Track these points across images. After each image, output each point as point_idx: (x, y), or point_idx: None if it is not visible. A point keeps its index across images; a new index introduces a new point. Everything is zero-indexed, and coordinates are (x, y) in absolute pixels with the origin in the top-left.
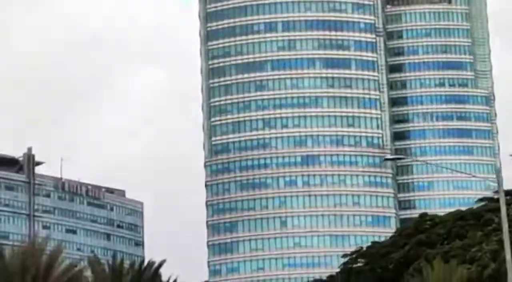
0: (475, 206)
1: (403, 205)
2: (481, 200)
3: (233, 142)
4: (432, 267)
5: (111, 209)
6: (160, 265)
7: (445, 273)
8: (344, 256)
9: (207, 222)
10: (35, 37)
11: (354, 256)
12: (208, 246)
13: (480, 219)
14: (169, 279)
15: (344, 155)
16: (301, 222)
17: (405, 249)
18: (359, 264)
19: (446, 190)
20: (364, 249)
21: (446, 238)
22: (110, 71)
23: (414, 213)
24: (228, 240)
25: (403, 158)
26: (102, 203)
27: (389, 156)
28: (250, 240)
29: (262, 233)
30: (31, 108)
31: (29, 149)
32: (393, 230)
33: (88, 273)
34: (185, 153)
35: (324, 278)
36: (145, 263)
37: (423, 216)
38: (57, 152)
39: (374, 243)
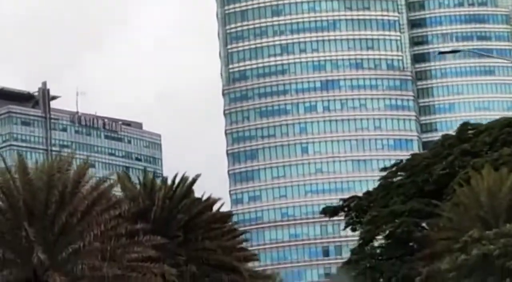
0: None
1: (424, 128)
2: None
3: (251, 69)
4: (481, 176)
5: (129, 142)
6: (194, 180)
7: (495, 181)
8: (383, 169)
9: (227, 151)
10: None
11: (393, 169)
12: (229, 175)
13: None
14: (203, 195)
15: (364, 79)
16: (322, 148)
17: (448, 160)
18: (399, 178)
19: (468, 112)
20: (404, 162)
21: (492, 146)
22: (123, 3)
23: (436, 136)
24: (249, 168)
25: (458, 51)
26: (120, 136)
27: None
28: (271, 167)
29: (283, 160)
30: (46, 44)
31: (44, 84)
32: None
33: (117, 189)
34: (202, 82)
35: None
36: (178, 178)
37: (465, 124)
38: (72, 86)
39: (414, 155)
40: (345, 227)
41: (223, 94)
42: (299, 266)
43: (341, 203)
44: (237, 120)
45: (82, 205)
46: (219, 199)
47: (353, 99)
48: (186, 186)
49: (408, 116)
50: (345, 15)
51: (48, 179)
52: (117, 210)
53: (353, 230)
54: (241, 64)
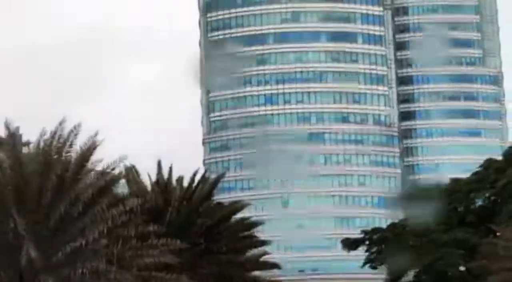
0: None
1: None
2: None
3: (233, 119)
4: None
5: None
6: (217, 181)
7: None
8: None
9: None
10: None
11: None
12: None
13: None
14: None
15: (349, 133)
16: (304, 203)
17: (498, 185)
18: None
19: (453, 173)
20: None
21: None
22: (104, 59)
23: None
24: None
25: None
26: None
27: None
28: None
29: (263, 213)
30: (23, 98)
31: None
32: (401, 212)
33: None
34: (182, 130)
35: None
36: (198, 176)
37: None
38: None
39: (453, 180)
40: (364, 264)
41: (203, 144)
42: None
43: (362, 235)
44: (217, 171)
45: (85, 194)
46: (246, 204)
47: (337, 154)
48: (207, 187)
49: (393, 173)
50: (332, 67)
51: (44, 160)
52: (127, 205)
53: (374, 268)
54: (223, 113)
